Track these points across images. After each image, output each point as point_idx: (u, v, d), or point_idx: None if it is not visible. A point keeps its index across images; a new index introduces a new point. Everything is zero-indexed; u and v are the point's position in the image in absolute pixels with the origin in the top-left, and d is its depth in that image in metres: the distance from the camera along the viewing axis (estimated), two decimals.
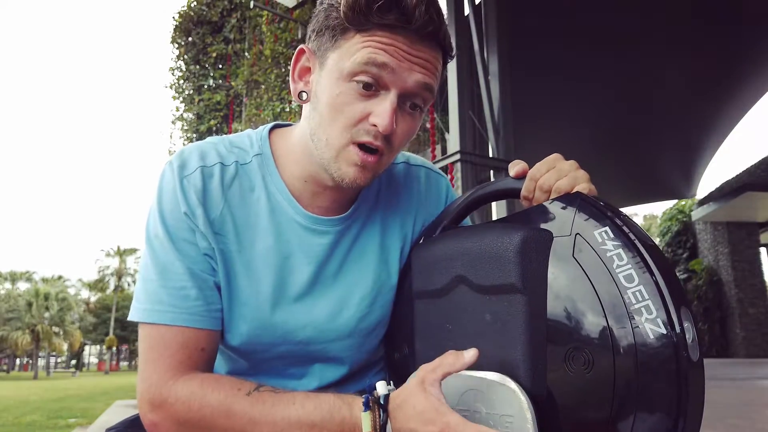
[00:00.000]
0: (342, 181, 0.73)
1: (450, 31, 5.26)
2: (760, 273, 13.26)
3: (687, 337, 0.54)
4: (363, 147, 0.71)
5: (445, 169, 5.66)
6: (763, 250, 13.91)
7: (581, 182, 0.69)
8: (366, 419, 0.64)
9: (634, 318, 0.55)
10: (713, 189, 13.82)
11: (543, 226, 0.66)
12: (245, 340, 0.78)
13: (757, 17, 8.22)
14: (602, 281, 0.58)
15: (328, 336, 0.80)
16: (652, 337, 0.54)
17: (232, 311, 0.77)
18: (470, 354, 0.64)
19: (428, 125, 7.50)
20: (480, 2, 6.46)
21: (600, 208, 0.63)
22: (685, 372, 0.53)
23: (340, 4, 0.68)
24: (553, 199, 0.69)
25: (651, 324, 0.54)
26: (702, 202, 13.86)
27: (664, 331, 0.53)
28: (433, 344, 0.76)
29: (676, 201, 15.61)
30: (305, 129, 0.76)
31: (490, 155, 5.87)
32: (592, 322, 0.58)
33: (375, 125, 0.69)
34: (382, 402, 0.65)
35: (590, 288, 0.58)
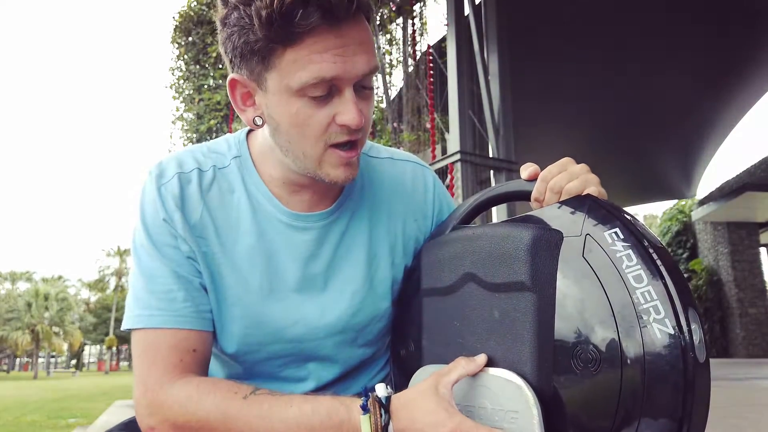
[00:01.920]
0: (336, 182, 0.74)
1: (450, 32, 5.23)
2: (760, 273, 13.25)
3: (694, 338, 0.54)
4: (341, 146, 0.71)
5: (445, 169, 5.66)
6: (763, 250, 13.90)
7: (591, 185, 0.69)
8: (365, 422, 0.63)
9: (642, 317, 0.55)
10: (713, 189, 13.81)
11: (553, 226, 0.66)
12: (238, 340, 0.78)
13: (758, 17, 8.22)
14: (611, 281, 0.58)
15: (319, 332, 0.80)
16: (659, 336, 0.54)
17: (222, 312, 0.77)
18: (482, 358, 0.66)
19: (428, 125, 7.50)
20: (480, 2, 6.45)
21: (610, 210, 0.63)
22: (692, 372, 0.53)
23: (251, 23, 0.64)
24: (564, 201, 0.69)
25: (659, 324, 0.54)
26: (702, 202, 13.85)
27: (672, 332, 0.54)
28: (440, 341, 0.76)
29: (676, 201, 15.60)
30: (269, 141, 0.76)
31: (490, 155, 5.87)
32: (601, 321, 0.58)
33: (345, 124, 0.69)
34: (383, 402, 0.64)
35: (599, 287, 0.59)
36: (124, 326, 0.75)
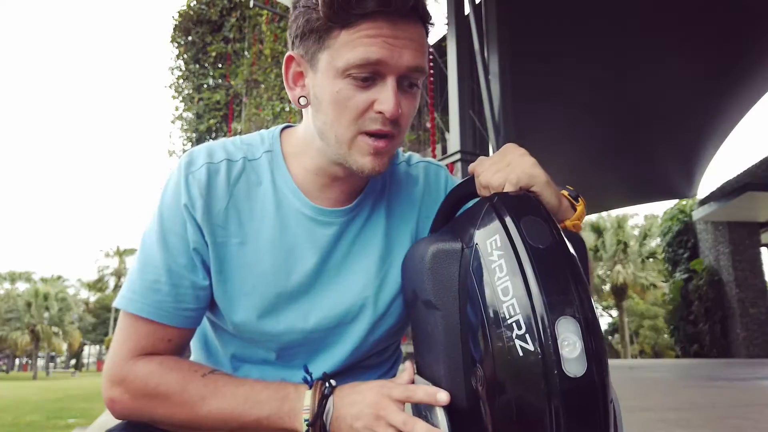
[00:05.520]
0: (362, 172, 0.74)
1: (450, 31, 5.23)
2: (761, 273, 13.27)
3: (565, 351, 0.51)
4: (372, 135, 0.73)
5: None
6: (764, 249, 13.92)
7: (512, 174, 0.67)
8: (308, 395, 0.70)
9: (508, 334, 0.53)
10: (714, 189, 13.83)
11: (460, 235, 0.64)
12: (251, 329, 0.79)
13: (757, 17, 8.21)
14: (488, 294, 0.56)
15: (331, 323, 0.81)
16: (521, 354, 0.52)
17: (235, 302, 0.78)
18: (442, 396, 0.64)
19: (428, 125, 7.49)
20: (480, 2, 6.45)
21: (501, 213, 0.60)
22: (560, 390, 0.50)
23: (317, 5, 0.70)
24: (471, 206, 0.68)
25: (520, 340, 0.52)
26: (703, 202, 13.87)
27: (532, 348, 0.51)
28: (416, 353, 0.77)
29: (677, 201, 15.62)
30: (311, 128, 0.79)
31: (491, 154, 5.85)
32: (483, 339, 0.56)
33: (381, 112, 0.71)
34: (331, 383, 0.70)
35: (479, 302, 0.57)
36: (113, 302, 0.79)
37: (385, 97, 0.70)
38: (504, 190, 0.66)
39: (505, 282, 0.55)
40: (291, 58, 0.77)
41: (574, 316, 0.52)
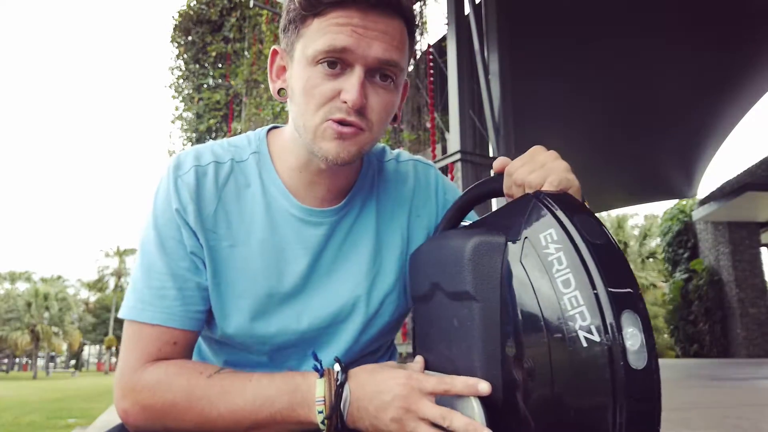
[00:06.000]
0: (327, 158, 0.73)
1: (450, 31, 5.24)
2: (761, 273, 13.27)
3: (628, 343, 0.52)
4: (337, 122, 0.72)
5: (445, 168, 5.65)
6: (764, 249, 13.91)
7: (551, 175, 0.67)
8: (320, 384, 0.68)
9: (569, 325, 0.53)
10: (714, 189, 13.82)
11: (501, 229, 0.65)
12: (243, 332, 0.79)
13: (757, 17, 8.21)
14: (543, 287, 0.56)
15: (323, 323, 0.82)
16: (585, 345, 0.52)
17: (227, 305, 0.78)
18: (483, 386, 0.62)
19: (428, 125, 7.49)
20: (480, 2, 6.45)
21: (552, 208, 0.60)
22: (624, 381, 0.51)
23: None
24: (513, 200, 0.68)
25: (585, 332, 0.52)
26: (703, 202, 13.87)
27: (598, 339, 0.52)
28: (426, 348, 0.77)
29: (677, 201, 15.61)
30: (292, 123, 0.79)
31: (491, 154, 5.86)
32: (534, 330, 0.57)
33: (345, 101, 0.70)
34: (341, 363, 0.69)
35: (533, 295, 0.57)
36: (119, 313, 0.78)
37: (349, 86, 0.69)
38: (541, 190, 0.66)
39: (566, 274, 0.55)
40: (275, 52, 0.79)
41: (635, 310, 0.53)
